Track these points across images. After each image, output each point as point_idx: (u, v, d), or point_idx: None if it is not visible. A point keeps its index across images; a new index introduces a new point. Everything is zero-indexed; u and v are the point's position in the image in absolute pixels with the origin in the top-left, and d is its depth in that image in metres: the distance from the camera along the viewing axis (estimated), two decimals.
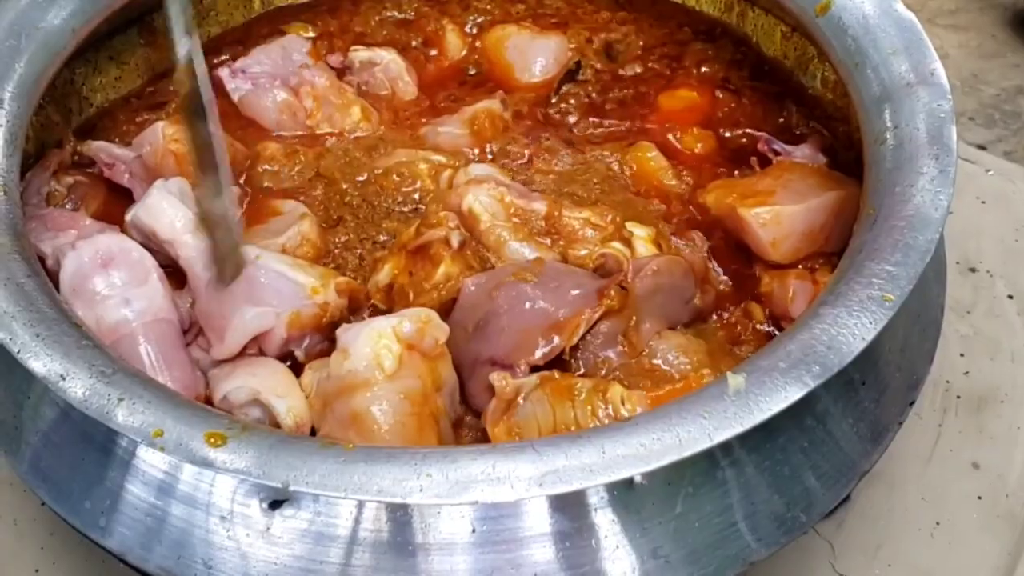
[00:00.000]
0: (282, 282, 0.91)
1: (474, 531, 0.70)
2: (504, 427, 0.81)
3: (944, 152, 0.81)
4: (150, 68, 1.17)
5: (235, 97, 1.14)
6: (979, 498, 1.04)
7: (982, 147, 1.48)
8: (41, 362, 0.71)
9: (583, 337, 0.86)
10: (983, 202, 1.30)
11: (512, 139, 1.13)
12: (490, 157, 1.12)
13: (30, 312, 0.74)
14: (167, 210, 0.94)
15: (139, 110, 1.15)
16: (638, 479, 0.71)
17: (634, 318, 0.88)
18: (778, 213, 0.97)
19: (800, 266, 0.98)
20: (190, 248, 0.93)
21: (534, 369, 0.84)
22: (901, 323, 0.83)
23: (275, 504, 0.71)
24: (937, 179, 0.80)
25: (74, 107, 1.09)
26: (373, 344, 0.82)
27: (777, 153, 1.08)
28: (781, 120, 1.14)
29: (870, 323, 0.71)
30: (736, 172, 1.10)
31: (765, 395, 0.68)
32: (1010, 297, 1.21)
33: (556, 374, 0.83)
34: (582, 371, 0.86)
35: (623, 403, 0.79)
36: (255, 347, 0.90)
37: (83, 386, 0.70)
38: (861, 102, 0.89)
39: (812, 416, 0.77)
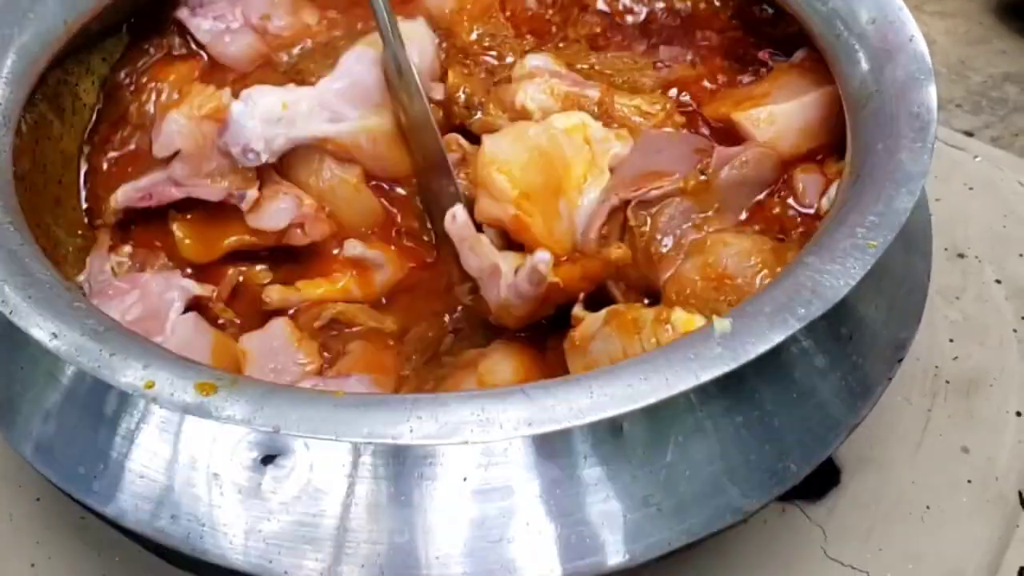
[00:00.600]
0: None
1: (465, 480, 0.71)
2: (582, 364, 0.84)
3: (925, 111, 0.82)
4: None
5: (204, 41, 1.14)
6: (969, 482, 1.04)
7: (969, 133, 1.49)
8: (32, 321, 0.71)
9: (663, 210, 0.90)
10: (971, 189, 1.31)
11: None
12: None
13: (22, 276, 0.74)
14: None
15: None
16: (627, 427, 0.72)
17: (715, 206, 0.91)
18: (771, 112, 0.98)
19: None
20: None
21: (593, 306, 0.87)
22: (887, 281, 0.84)
23: (267, 459, 0.72)
24: (918, 135, 0.80)
25: (67, 106, 1.10)
26: None
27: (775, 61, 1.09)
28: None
29: (853, 268, 0.72)
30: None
31: (751, 337, 0.68)
32: (998, 282, 1.21)
33: (622, 307, 0.85)
34: (664, 246, 0.90)
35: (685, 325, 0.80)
36: None
37: (74, 343, 0.70)
38: (842, 71, 0.90)
39: (801, 368, 0.78)
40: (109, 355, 0.69)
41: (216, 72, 1.13)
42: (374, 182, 1.03)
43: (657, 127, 0.99)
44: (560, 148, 0.90)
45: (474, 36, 1.12)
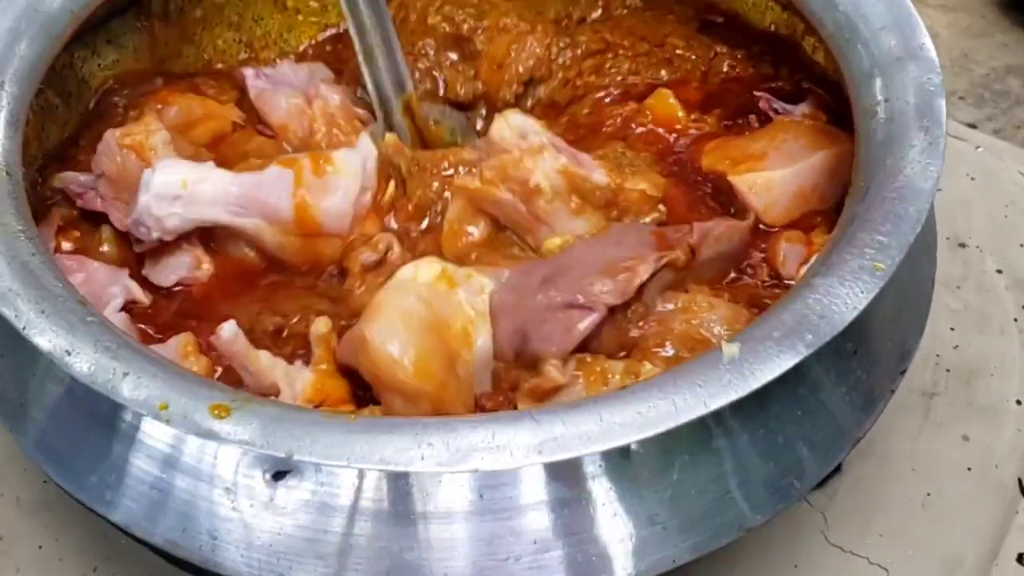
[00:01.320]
0: None
1: (474, 500, 0.72)
2: None
3: (934, 125, 0.82)
4: (148, 52, 1.18)
5: (252, 93, 1.14)
6: (969, 469, 1.06)
7: (972, 126, 1.49)
8: (46, 338, 0.72)
9: (643, 286, 0.87)
10: (972, 179, 1.32)
11: None
12: None
13: (35, 289, 0.74)
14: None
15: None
16: (635, 447, 0.72)
17: (689, 279, 0.90)
18: (768, 179, 0.99)
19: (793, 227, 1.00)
20: None
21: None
22: (892, 294, 0.84)
23: (278, 475, 0.72)
24: (927, 151, 0.80)
25: (73, 90, 1.10)
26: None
27: (777, 112, 1.09)
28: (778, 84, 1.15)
29: (861, 292, 0.72)
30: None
31: (759, 363, 0.69)
32: (999, 272, 1.22)
33: (588, 358, 0.84)
34: (639, 326, 0.88)
35: None
36: None
37: (88, 361, 0.70)
38: (852, 77, 0.90)
39: (805, 385, 0.78)
40: (123, 374, 0.69)
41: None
42: None
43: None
44: (437, 310, 0.86)
45: None
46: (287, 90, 1.14)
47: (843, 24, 0.92)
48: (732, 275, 0.96)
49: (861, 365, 0.82)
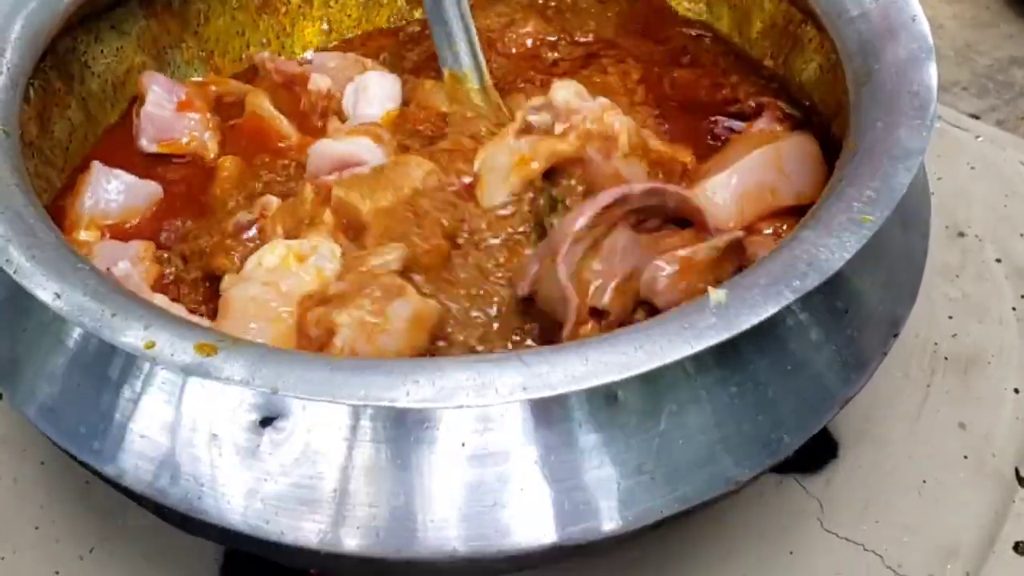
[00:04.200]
0: None
1: (462, 446, 0.72)
2: None
3: (924, 88, 0.83)
4: (151, 40, 1.19)
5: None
6: (965, 457, 1.05)
7: (975, 116, 1.49)
8: (35, 282, 0.72)
9: None
10: (973, 168, 1.32)
11: None
12: None
13: (26, 236, 0.75)
14: None
15: None
16: (621, 394, 0.72)
17: None
18: (703, 187, 0.99)
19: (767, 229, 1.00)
20: None
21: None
22: (883, 257, 0.84)
23: (265, 421, 0.72)
24: (917, 113, 0.81)
25: (75, 73, 1.11)
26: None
27: (733, 131, 1.10)
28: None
29: (849, 242, 0.72)
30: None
31: (745, 308, 0.69)
32: (998, 261, 1.22)
33: None
34: None
35: None
36: None
37: (76, 303, 0.71)
38: (845, 49, 0.91)
39: (795, 340, 0.78)
40: (111, 315, 0.70)
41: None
42: None
43: None
44: (284, 291, 0.88)
45: None
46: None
47: (836, 1, 0.93)
48: None
49: (851, 324, 0.81)
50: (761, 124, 1.08)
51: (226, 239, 0.96)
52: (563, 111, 0.99)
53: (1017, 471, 1.04)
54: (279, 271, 0.88)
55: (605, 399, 0.72)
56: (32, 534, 1.01)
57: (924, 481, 1.03)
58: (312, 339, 0.83)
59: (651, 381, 0.71)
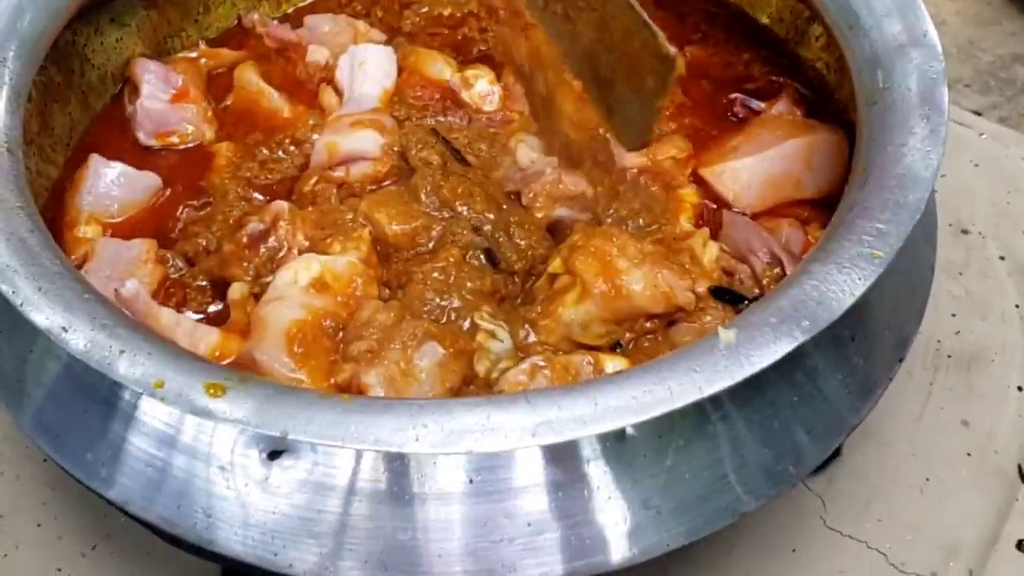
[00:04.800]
0: None
1: (470, 482, 0.72)
2: None
3: (935, 112, 0.82)
4: (152, 31, 1.18)
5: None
6: (968, 455, 1.06)
7: (977, 113, 1.49)
8: (43, 315, 0.72)
9: None
10: (976, 165, 1.31)
11: None
12: None
13: (33, 266, 0.75)
14: None
15: None
16: (630, 431, 0.72)
17: None
18: (735, 167, 1.01)
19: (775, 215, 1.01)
20: None
21: None
22: (891, 281, 0.84)
23: (274, 454, 0.73)
24: (928, 139, 0.80)
25: (75, 67, 1.10)
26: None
27: (755, 111, 1.10)
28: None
29: (859, 279, 0.72)
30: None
31: (755, 349, 0.69)
32: (1001, 258, 1.22)
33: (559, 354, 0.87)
34: None
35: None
36: None
37: (85, 338, 0.70)
38: (855, 63, 0.90)
39: (802, 371, 0.78)
40: (119, 352, 0.69)
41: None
42: None
43: None
44: (317, 310, 0.89)
45: None
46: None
47: (847, 10, 0.92)
48: None
49: (859, 352, 0.81)
50: (781, 106, 1.08)
51: (242, 249, 0.96)
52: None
53: (1020, 468, 1.05)
54: (315, 291, 0.89)
55: (613, 437, 0.72)
56: (34, 531, 1.02)
57: (927, 479, 1.04)
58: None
59: (659, 420, 0.71)
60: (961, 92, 1.61)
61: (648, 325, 0.90)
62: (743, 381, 0.68)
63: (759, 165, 1.01)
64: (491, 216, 0.97)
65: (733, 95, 1.12)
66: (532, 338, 0.89)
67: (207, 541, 0.74)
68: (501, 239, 0.95)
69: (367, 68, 1.14)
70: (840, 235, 0.76)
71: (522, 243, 0.95)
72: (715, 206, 1.03)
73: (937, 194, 0.96)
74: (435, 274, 0.92)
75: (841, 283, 0.72)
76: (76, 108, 1.10)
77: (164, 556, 0.99)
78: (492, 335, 0.88)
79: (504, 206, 0.98)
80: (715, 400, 0.73)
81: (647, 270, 0.87)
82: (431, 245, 0.96)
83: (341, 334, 0.87)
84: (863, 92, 0.88)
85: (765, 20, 1.20)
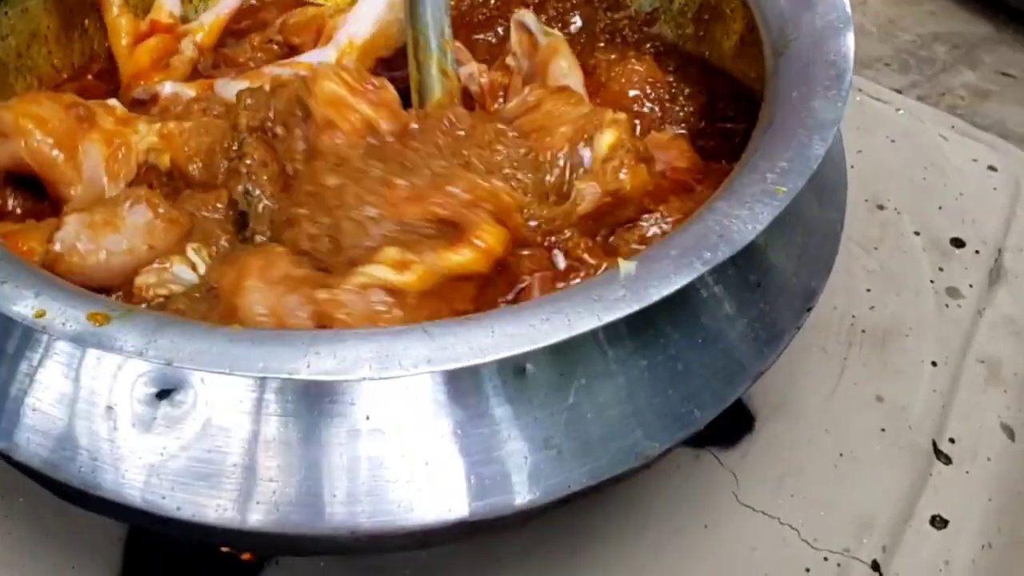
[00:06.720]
0: None
1: (366, 418, 0.70)
2: None
3: (841, 59, 0.82)
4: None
5: None
6: (882, 430, 1.05)
7: (897, 91, 1.50)
8: None
9: None
10: (893, 141, 1.32)
11: None
12: None
13: None
14: None
15: None
16: (530, 368, 0.71)
17: None
18: None
19: None
20: None
21: None
22: (798, 229, 0.84)
23: (163, 394, 0.70)
24: (833, 83, 0.80)
25: None
26: None
27: None
28: None
29: (761, 213, 0.71)
30: None
31: (655, 280, 0.68)
32: (916, 234, 1.22)
33: None
34: None
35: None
36: None
37: None
38: (764, 20, 0.90)
39: (706, 314, 0.77)
40: (1, 283, 0.67)
41: None
42: None
43: None
44: None
45: None
46: None
47: None
48: None
49: (765, 298, 0.81)
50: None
51: None
52: None
53: (934, 444, 1.04)
54: None
55: (513, 372, 0.71)
56: None
57: (840, 454, 1.03)
58: None
59: (560, 354, 0.70)
60: (881, 71, 1.63)
61: None
62: (647, 319, 0.67)
63: None
64: None
65: None
66: None
67: (92, 486, 0.71)
68: None
69: None
70: (743, 175, 0.75)
71: None
72: None
73: (853, 169, 0.97)
74: None
75: (743, 218, 0.71)
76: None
77: (64, 537, 0.96)
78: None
79: None
80: (617, 338, 0.72)
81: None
82: None
83: None
84: (772, 46, 0.88)
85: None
